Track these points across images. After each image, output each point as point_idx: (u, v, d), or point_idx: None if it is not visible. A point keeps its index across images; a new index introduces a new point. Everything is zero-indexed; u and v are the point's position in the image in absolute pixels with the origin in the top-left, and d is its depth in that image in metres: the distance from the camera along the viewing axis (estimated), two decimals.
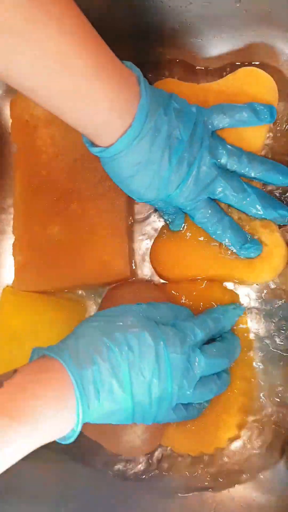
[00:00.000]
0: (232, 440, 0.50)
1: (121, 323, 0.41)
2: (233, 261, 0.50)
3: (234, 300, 0.51)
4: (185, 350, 0.42)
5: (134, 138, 0.41)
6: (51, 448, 0.55)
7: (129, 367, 0.39)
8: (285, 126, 0.52)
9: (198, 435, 0.49)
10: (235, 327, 0.50)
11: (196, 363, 0.42)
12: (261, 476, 0.50)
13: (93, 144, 0.43)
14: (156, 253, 0.53)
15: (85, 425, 0.50)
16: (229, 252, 0.49)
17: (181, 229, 0.51)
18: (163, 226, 0.53)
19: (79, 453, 0.54)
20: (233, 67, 0.52)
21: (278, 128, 0.52)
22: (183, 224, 0.51)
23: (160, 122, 0.42)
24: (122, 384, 0.39)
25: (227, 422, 0.48)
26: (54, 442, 0.55)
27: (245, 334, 0.51)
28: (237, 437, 0.50)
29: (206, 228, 0.48)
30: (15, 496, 0.53)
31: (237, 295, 0.52)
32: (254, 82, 0.49)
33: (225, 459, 0.50)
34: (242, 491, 0.50)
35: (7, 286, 0.56)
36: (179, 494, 0.51)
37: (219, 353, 0.44)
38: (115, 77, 0.39)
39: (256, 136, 0.49)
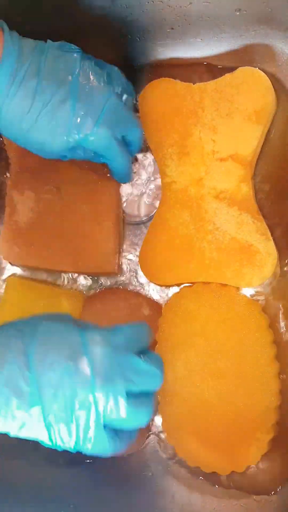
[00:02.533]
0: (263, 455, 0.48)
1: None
2: (221, 269, 0.49)
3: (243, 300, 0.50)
4: (114, 350, 0.35)
5: (9, 80, 0.37)
6: (50, 449, 0.55)
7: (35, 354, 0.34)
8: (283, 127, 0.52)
9: (228, 454, 0.48)
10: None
11: (130, 366, 0.35)
12: (262, 475, 0.50)
13: None
14: (145, 260, 0.52)
15: None
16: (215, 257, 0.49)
17: None
18: (148, 233, 0.53)
19: (80, 453, 0.54)
20: (232, 67, 0.52)
21: (275, 129, 0.52)
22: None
23: (38, 60, 0.39)
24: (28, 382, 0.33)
25: (260, 439, 0.48)
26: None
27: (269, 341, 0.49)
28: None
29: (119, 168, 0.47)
30: (15, 496, 0.53)
31: (254, 302, 0.51)
32: (251, 82, 0.49)
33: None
34: (242, 491, 0.50)
35: (12, 275, 0.57)
36: (180, 495, 0.51)
37: (153, 363, 0.37)
38: None
39: (250, 135, 0.49)
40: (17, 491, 0.53)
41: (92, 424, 0.34)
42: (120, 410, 0.34)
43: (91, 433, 0.34)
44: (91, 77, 0.42)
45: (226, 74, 0.50)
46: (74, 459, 0.54)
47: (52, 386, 0.33)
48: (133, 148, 0.48)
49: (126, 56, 0.54)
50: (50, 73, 0.39)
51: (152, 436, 0.53)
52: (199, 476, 0.51)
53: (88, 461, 0.54)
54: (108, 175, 0.53)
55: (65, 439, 0.34)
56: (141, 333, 0.39)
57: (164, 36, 0.51)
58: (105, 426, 0.34)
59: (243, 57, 0.52)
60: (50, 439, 0.35)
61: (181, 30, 0.50)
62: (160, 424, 0.52)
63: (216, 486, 0.50)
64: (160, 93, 0.52)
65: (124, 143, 0.46)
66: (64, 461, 0.55)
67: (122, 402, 0.34)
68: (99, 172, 0.53)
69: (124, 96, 0.47)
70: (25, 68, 0.38)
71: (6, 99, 0.38)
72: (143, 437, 0.52)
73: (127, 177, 0.50)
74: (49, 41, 0.42)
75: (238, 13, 0.48)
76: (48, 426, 0.34)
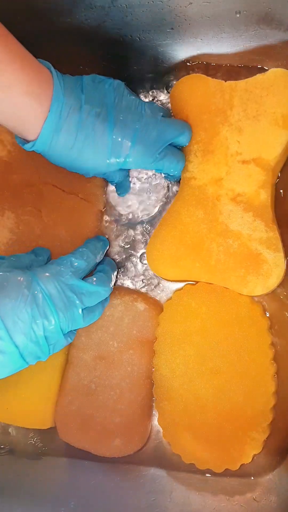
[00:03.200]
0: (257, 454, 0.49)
1: None
2: (226, 272, 0.49)
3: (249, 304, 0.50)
4: (64, 282, 0.44)
5: (58, 118, 0.42)
6: (50, 448, 0.55)
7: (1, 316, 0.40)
8: None
9: (223, 452, 0.48)
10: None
11: (80, 291, 0.45)
12: (261, 475, 0.50)
13: (26, 142, 0.44)
14: (152, 252, 0.52)
15: (71, 436, 0.52)
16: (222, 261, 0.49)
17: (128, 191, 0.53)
18: (159, 226, 0.53)
19: (81, 453, 0.54)
20: (232, 67, 0.53)
21: None
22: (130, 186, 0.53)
23: (79, 97, 0.44)
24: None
25: (255, 438, 0.48)
26: (53, 442, 0.55)
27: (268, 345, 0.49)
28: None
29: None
30: (15, 496, 0.53)
31: (256, 304, 0.50)
32: (282, 85, 0.48)
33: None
34: (242, 491, 0.50)
35: None
36: (179, 495, 0.51)
37: (100, 282, 0.47)
38: (28, 64, 0.41)
39: (276, 140, 0.48)
40: (19, 489, 0.53)
41: (57, 343, 0.45)
42: (78, 324, 0.45)
43: (55, 345, 0.45)
44: (124, 102, 0.46)
45: (257, 75, 0.49)
46: (75, 459, 0.54)
47: (23, 333, 0.41)
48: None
49: (124, 54, 0.54)
50: (89, 106, 0.44)
51: (151, 436, 0.54)
52: (199, 476, 0.51)
53: (87, 462, 0.54)
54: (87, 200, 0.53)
55: (37, 359, 0.44)
56: (89, 254, 0.48)
57: (164, 36, 0.51)
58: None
59: (242, 56, 0.52)
60: (27, 363, 0.43)
61: (181, 30, 0.50)
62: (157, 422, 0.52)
63: (215, 485, 0.50)
64: (192, 88, 0.51)
65: (166, 157, 0.48)
66: (65, 460, 0.55)
67: (79, 319, 0.45)
68: (80, 196, 0.54)
69: (160, 114, 0.49)
70: (70, 105, 0.43)
71: (55, 134, 0.43)
72: (143, 437, 0.52)
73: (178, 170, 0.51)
74: (84, 76, 0.46)
75: (238, 13, 0.48)
76: (25, 360, 0.43)
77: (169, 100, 0.55)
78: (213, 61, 0.53)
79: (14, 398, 0.53)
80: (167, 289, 0.55)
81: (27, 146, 0.44)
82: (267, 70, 0.49)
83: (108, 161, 0.45)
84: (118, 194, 0.55)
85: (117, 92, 0.46)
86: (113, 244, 0.56)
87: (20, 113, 0.42)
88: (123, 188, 0.53)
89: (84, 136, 0.44)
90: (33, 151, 0.45)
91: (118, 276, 0.56)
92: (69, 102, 0.43)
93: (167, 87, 0.56)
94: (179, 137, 0.49)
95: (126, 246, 0.56)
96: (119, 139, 0.45)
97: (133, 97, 0.48)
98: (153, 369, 0.52)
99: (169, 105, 0.54)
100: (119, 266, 0.56)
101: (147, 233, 0.56)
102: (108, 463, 0.53)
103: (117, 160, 0.46)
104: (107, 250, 0.55)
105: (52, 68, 0.44)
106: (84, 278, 0.47)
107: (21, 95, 0.41)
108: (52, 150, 0.44)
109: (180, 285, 0.54)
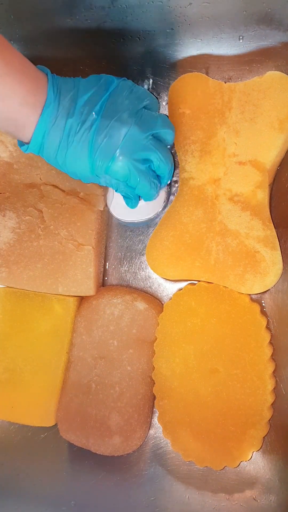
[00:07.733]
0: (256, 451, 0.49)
1: None
2: (224, 271, 0.49)
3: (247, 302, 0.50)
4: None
5: (48, 124, 0.43)
6: (51, 448, 0.55)
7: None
8: None
9: (222, 450, 0.48)
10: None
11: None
12: (261, 475, 0.50)
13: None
14: (151, 252, 0.52)
15: (72, 434, 0.51)
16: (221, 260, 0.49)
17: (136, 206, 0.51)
18: (159, 226, 0.53)
19: (81, 453, 0.54)
20: (233, 67, 0.53)
21: None
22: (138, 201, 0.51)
23: (73, 102, 0.44)
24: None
25: (254, 436, 0.48)
26: (54, 441, 0.55)
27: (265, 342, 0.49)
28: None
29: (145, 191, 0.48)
30: (18, 494, 0.53)
31: (254, 303, 0.50)
32: (278, 88, 0.48)
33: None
34: (242, 490, 0.50)
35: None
36: (179, 494, 0.51)
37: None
38: (25, 75, 0.42)
39: (271, 143, 0.48)
40: (20, 488, 0.53)
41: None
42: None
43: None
44: (113, 108, 0.45)
45: (255, 78, 0.50)
46: (76, 459, 0.54)
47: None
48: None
49: (126, 57, 0.54)
50: (79, 112, 0.44)
51: (151, 435, 0.54)
52: (199, 476, 0.51)
53: (87, 461, 0.54)
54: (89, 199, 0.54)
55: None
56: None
57: (164, 36, 0.51)
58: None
59: (242, 57, 0.52)
60: None
61: (181, 30, 0.50)
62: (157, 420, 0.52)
63: (215, 484, 0.50)
64: (192, 86, 0.51)
65: (150, 170, 0.47)
66: (66, 459, 0.55)
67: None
68: (81, 196, 0.54)
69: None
70: (60, 110, 0.44)
71: (45, 139, 0.44)
72: (143, 435, 0.52)
73: (151, 199, 0.50)
74: (80, 78, 0.46)
75: (237, 14, 0.48)
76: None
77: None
78: (213, 62, 0.53)
79: (18, 397, 0.54)
80: (167, 289, 0.55)
81: (23, 148, 0.46)
82: (266, 71, 0.50)
83: (90, 171, 0.45)
84: (129, 206, 0.52)
85: (112, 95, 0.45)
86: (114, 244, 0.57)
87: (15, 121, 0.43)
88: (130, 202, 0.51)
89: (66, 143, 0.44)
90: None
91: (119, 276, 0.56)
92: (61, 107, 0.44)
93: (167, 88, 0.56)
94: (156, 153, 0.46)
95: (126, 246, 0.56)
96: (101, 149, 0.44)
97: (125, 98, 0.46)
98: (153, 368, 0.52)
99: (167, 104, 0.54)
100: (120, 266, 0.56)
101: (147, 233, 0.56)
102: (108, 462, 0.53)
103: (99, 169, 0.45)
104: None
105: (49, 75, 0.44)
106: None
107: (17, 106, 0.42)
108: (44, 153, 0.45)
109: (181, 285, 0.54)
